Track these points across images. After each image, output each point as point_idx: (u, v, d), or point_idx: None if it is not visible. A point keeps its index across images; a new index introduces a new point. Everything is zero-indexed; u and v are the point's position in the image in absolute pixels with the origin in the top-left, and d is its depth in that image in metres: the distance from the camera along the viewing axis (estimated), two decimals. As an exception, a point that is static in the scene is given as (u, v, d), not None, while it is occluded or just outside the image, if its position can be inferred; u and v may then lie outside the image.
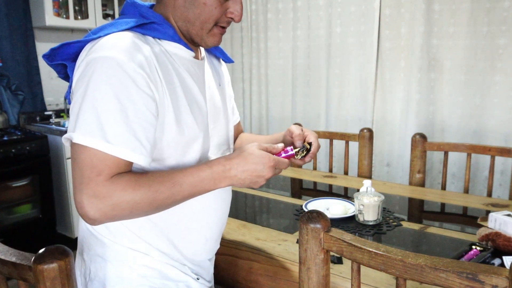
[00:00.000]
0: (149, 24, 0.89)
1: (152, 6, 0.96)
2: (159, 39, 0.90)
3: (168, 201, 0.82)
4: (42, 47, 3.23)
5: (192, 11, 0.89)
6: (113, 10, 3.39)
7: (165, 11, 0.93)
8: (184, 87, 0.91)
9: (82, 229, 0.99)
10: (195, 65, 0.96)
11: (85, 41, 0.86)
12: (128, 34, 0.84)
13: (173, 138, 0.87)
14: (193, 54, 0.95)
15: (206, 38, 0.92)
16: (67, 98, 0.90)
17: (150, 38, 0.89)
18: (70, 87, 0.88)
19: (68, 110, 3.30)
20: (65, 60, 0.89)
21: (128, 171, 0.80)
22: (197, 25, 0.90)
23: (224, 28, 0.94)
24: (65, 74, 0.94)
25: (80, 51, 0.87)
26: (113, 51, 0.80)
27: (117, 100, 0.77)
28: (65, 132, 2.93)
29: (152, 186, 0.79)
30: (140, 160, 0.79)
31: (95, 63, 0.79)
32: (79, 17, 3.20)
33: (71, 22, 3.12)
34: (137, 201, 0.77)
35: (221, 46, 1.11)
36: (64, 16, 3.10)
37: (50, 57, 0.89)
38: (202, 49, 1.03)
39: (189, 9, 0.89)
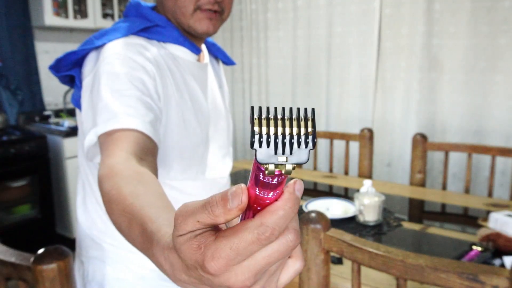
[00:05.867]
0: (153, 28, 0.88)
1: (154, 7, 0.95)
2: (164, 42, 0.89)
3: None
4: (42, 47, 3.23)
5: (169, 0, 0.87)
6: (113, 9, 3.38)
7: (162, 10, 0.92)
8: (189, 90, 0.90)
9: (79, 231, 0.98)
10: (198, 68, 0.95)
11: (89, 48, 0.85)
12: (134, 38, 0.84)
13: (177, 141, 0.87)
14: (196, 57, 0.95)
15: (193, 25, 0.87)
16: (75, 104, 0.88)
17: (155, 41, 0.88)
18: (78, 95, 0.86)
19: (67, 110, 3.30)
20: (70, 69, 0.88)
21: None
22: (178, 12, 0.87)
23: (210, 11, 0.87)
24: (71, 82, 0.93)
25: (84, 56, 0.86)
26: (123, 49, 0.80)
27: (133, 85, 0.75)
28: (65, 132, 2.90)
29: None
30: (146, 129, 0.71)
31: (108, 60, 0.78)
32: (78, 17, 3.20)
33: (71, 22, 3.12)
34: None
35: (221, 46, 1.10)
36: (64, 15, 3.10)
37: (56, 67, 0.88)
38: (205, 53, 1.02)
39: None
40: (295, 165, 0.29)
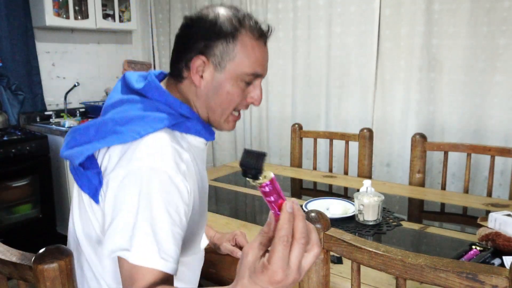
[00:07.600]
0: (182, 122, 0.89)
1: (160, 75, 0.95)
2: (185, 133, 0.91)
3: None
4: (42, 47, 3.23)
5: (214, 100, 0.90)
6: (113, 10, 3.39)
7: (186, 95, 0.92)
8: (202, 177, 0.93)
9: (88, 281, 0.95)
10: (204, 151, 0.99)
11: (112, 142, 0.82)
12: (166, 139, 0.82)
13: (194, 226, 0.91)
14: (206, 143, 0.97)
15: (222, 125, 0.95)
16: (91, 195, 0.84)
17: (177, 133, 0.88)
18: (93, 185, 0.84)
19: (68, 110, 3.30)
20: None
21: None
22: (218, 112, 0.92)
23: (239, 113, 0.96)
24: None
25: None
26: (160, 161, 0.78)
27: (169, 215, 0.77)
28: (66, 132, 2.90)
29: None
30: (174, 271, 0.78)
31: (144, 174, 0.77)
32: (79, 17, 3.20)
33: (71, 22, 3.12)
34: None
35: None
36: (64, 16, 3.10)
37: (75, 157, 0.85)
38: None
39: (211, 98, 0.90)
40: (263, 175, 0.53)
